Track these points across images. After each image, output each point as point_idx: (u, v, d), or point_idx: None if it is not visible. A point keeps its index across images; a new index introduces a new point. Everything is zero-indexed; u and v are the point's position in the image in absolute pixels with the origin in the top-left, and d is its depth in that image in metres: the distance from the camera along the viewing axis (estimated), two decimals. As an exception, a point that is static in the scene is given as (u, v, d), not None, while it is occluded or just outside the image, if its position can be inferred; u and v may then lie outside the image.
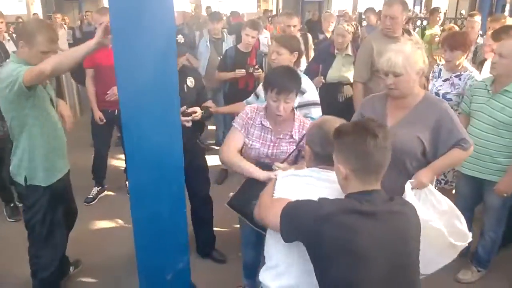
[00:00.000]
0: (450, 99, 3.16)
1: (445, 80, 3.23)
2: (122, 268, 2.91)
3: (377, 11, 6.80)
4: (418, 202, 1.99)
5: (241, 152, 2.26)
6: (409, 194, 1.96)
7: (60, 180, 2.49)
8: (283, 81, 2.12)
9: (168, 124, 1.79)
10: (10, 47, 3.95)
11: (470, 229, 2.93)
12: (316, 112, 2.69)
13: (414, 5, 23.50)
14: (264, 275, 1.66)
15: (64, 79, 6.38)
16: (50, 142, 2.38)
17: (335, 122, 1.65)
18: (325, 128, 1.66)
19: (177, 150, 1.84)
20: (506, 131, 2.57)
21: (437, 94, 3.22)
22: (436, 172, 2.21)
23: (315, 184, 1.64)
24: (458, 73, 3.19)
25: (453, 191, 3.38)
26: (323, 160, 1.66)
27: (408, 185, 2.00)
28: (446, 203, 2.12)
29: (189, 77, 2.81)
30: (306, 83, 2.72)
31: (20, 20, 9.75)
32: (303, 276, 1.55)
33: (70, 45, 5.92)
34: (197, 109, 2.71)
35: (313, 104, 2.70)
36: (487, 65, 3.73)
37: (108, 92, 3.44)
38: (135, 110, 1.73)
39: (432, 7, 9.61)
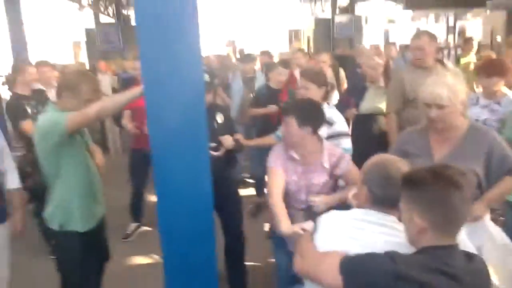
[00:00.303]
0: (492, 125, 3.06)
1: (483, 107, 3.17)
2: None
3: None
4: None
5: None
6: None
7: (96, 225, 2.50)
8: (285, 106, 2.23)
9: (197, 164, 1.82)
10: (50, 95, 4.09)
11: None
12: (346, 142, 2.73)
13: (447, 34, 23.26)
14: None
15: (107, 124, 6.74)
16: (86, 188, 2.39)
17: (399, 163, 1.58)
18: (388, 169, 1.55)
19: (207, 190, 1.86)
20: None
21: (476, 121, 3.15)
22: (489, 204, 2.13)
23: (368, 229, 1.50)
24: (497, 99, 3.14)
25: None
26: (381, 202, 1.54)
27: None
28: (502, 237, 2.03)
29: (218, 113, 2.94)
30: (334, 114, 2.80)
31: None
32: None
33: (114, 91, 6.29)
34: (228, 137, 2.79)
35: (343, 134, 2.74)
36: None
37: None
38: (165, 151, 1.79)
39: (465, 36, 9.52)
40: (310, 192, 2.26)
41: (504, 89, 3.22)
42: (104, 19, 13.38)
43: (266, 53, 6.48)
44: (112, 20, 13.39)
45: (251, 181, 5.17)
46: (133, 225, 4.25)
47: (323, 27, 14.06)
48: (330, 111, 2.84)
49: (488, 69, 3.14)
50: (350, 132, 2.95)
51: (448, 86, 2.02)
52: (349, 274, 1.35)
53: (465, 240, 1.69)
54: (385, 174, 1.54)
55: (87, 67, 10.19)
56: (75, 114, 2.18)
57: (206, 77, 2.76)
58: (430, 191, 1.29)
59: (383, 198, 1.53)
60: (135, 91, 2.10)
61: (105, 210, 2.65)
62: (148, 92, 1.77)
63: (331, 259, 1.42)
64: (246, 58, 5.32)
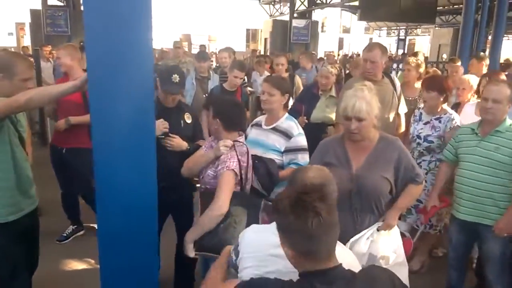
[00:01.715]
0: (432, 141, 3.22)
1: (425, 123, 3.29)
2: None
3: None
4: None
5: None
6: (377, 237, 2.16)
7: (23, 219, 2.35)
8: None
9: (142, 165, 1.74)
10: None
11: (464, 278, 2.93)
12: (303, 157, 2.68)
13: (397, 49, 24.35)
14: None
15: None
16: (11, 179, 2.26)
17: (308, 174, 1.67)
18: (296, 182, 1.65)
19: (151, 193, 1.78)
20: (503, 171, 2.54)
21: (418, 136, 3.27)
22: (401, 211, 2.39)
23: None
24: (438, 116, 3.26)
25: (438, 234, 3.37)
26: None
27: (374, 227, 2.18)
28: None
29: (186, 113, 2.86)
30: (294, 127, 2.75)
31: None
32: None
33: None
34: (178, 138, 2.70)
35: (301, 149, 2.69)
36: (467, 109, 3.81)
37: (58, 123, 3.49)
38: (107, 150, 1.69)
39: (413, 51, 9.96)
40: (202, 182, 2.43)
41: (445, 106, 3.36)
42: (52, 0, 12.62)
43: (228, 50, 6.30)
44: (61, 3, 12.66)
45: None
46: (71, 227, 3.97)
47: (281, 30, 14.19)
48: (290, 123, 2.77)
49: (429, 83, 3.28)
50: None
51: (366, 101, 2.15)
52: None
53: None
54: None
55: (30, 52, 9.56)
56: (4, 99, 2.06)
57: (175, 78, 2.67)
58: (288, 221, 1.25)
59: None
60: (67, 86, 2.01)
61: (40, 207, 2.51)
62: (93, 85, 1.64)
63: (229, 286, 1.44)
64: (201, 55, 5.15)
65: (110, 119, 1.67)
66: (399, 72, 7.69)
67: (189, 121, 2.86)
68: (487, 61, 5.23)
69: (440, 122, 3.23)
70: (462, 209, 2.70)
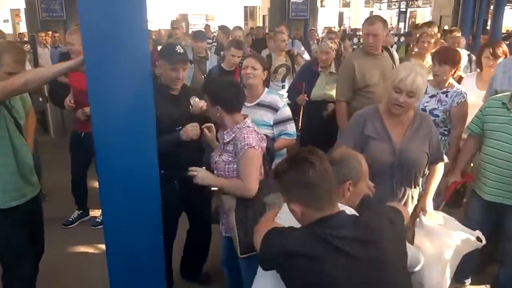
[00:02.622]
0: (437, 115, 3.15)
1: (431, 97, 3.20)
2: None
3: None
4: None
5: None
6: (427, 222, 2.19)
7: (26, 205, 2.36)
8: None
9: (143, 149, 1.72)
10: None
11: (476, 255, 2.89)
12: (291, 127, 2.85)
13: (398, 22, 23.94)
14: None
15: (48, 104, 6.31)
16: (12, 164, 2.27)
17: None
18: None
19: (153, 177, 1.77)
20: None
21: (424, 110, 3.19)
22: (431, 196, 2.37)
23: None
24: (445, 90, 3.17)
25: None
26: None
27: (422, 218, 2.21)
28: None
29: (192, 97, 2.64)
30: (278, 99, 2.87)
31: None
32: None
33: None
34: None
35: (288, 120, 2.84)
36: (467, 80, 3.76)
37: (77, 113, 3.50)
38: (108, 135, 1.67)
39: (414, 23, 9.79)
40: (214, 169, 2.28)
41: (452, 80, 3.27)
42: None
43: (223, 28, 6.24)
44: (55, -13, 12.42)
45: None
46: (77, 212, 4.01)
47: (279, 6, 13.92)
48: (273, 96, 2.88)
49: (442, 56, 3.15)
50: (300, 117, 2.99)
51: (423, 79, 2.14)
52: (262, 247, 1.49)
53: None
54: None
55: (26, 38, 9.45)
56: None
57: (179, 48, 2.54)
58: (288, 178, 1.44)
59: None
60: (60, 66, 1.99)
61: (43, 194, 2.50)
62: (90, 69, 1.62)
63: (264, 230, 1.55)
64: (198, 34, 5.07)
65: (108, 102, 1.65)
66: (401, 46, 7.58)
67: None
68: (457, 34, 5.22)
69: (447, 96, 3.15)
70: (487, 189, 2.59)
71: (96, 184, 4.24)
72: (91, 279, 3.06)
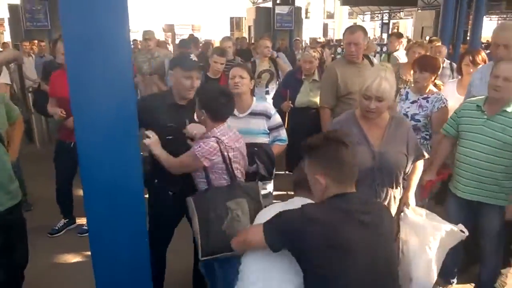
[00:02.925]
0: (419, 120, 3.24)
1: (413, 102, 3.30)
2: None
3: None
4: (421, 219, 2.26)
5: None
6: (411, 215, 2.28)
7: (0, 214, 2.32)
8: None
9: (126, 154, 1.74)
10: None
11: (460, 256, 3.00)
12: (284, 133, 2.92)
13: (381, 33, 24.41)
14: None
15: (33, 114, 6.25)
16: None
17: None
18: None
19: (136, 182, 1.79)
20: (508, 152, 2.52)
21: (405, 115, 3.28)
22: (414, 189, 2.49)
23: None
24: (426, 96, 3.27)
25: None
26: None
27: (406, 212, 2.31)
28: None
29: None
30: (270, 106, 2.93)
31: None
32: (283, 277, 1.61)
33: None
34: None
35: (280, 126, 2.90)
36: (448, 87, 3.88)
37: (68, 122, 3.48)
38: (91, 141, 1.69)
39: (396, 32, 10.01)
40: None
41: (432, 87, 3.39)
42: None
43: (230, 39, 6.26)
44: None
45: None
46: (63, 221, 3.97)
47: (264, 17, 14.11)
48: (264, 104, 2.93)
49: (422, 64, 3.27)
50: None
51: (390, 82, 2.20)
52: (268, 228, 1.59)
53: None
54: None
55: (11, 47, 9.36)
56: None
57: (193, 56, 2.53)
58: (325, 152, 1.59)
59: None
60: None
61: (28, 204, 2.46)
62: (72, 79, 1.64)
63: (256, 225, 1.71)
64: (184, 43, 5.13)
65: (91, 110, 1.66)
66: (383, 55, 7.74)
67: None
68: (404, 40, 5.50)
69: (427, 102, 3.25)
70: (463, 187, 2.69)
71: (81, 192, 4.23)
72: (78, 286, 3.04)
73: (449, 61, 5.27)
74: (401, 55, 5.55)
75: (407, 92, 3.42)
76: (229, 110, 2.30)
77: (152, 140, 2.31)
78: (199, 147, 2.17)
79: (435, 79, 3.38)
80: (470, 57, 3.70)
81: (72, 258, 3.49)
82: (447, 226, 2.19)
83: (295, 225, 1.51)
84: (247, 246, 1.74)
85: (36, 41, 8.42)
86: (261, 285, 1.63)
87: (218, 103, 2.22)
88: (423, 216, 2.30)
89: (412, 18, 24.17)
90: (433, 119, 3.18)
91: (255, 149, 2.56)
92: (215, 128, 2.24)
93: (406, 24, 28.80)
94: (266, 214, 1.78)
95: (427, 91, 3.30)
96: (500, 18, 23.01)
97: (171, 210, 2.56)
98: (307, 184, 1.73)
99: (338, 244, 1.47)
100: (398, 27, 29.95)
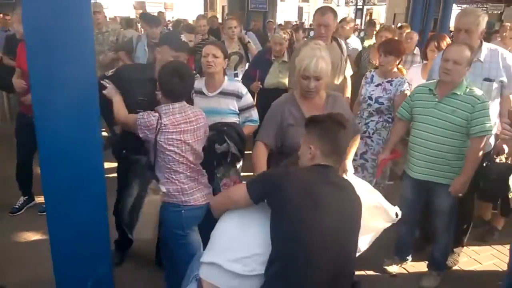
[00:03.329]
0: (382, 103, 3.32)
1: (377, 85, 3.38)
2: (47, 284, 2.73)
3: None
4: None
5: None
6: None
7: None
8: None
9: (85, 127, 1.73)
10: None
11: (415, 233, 3.14)
12: (255, 113, 2.88)
13: (355, 18, 24.53)
14: (211, 254, 1.73)
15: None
16: None
17: None
18: None
19: (96, 150, 1.78)
20: (457, 133, 2.63)
21: (370, 98, 3.36)
22: (351, 159, 2.60)
23: None
24: (390, 79, 3.35)
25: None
26: None
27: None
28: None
29: None
30: (241, 86, 2.87)
31: None
32: (253, 249, 1.68)
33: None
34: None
35: (252, 106, 2.87)
36: (412, 71, 3.97)
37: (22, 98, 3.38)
38: (48, 108, 1.66)
39: (368, 19, 10.08)
40: None
41: (397, 70, 3.46)
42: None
43: (205, 17, 6.11)
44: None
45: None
46: (22, 199, 3.88)
47: (238, -2, 13.89)
48: (235, 84, 2.89)
49: (387, 48, 3.34)
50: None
51: (325, 61, 2.24)
52: (252, 182, 1.75)
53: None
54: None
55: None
56: None
57: (183, 37, 2.55)
58: (324, 126, 1.77)
59: None
60: None
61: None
62: (32, 53, 1.59)
63: (238, 185, 1.90)
64: (152, 20, 4.98)
65: (50, 85, 1.64)
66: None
67: None
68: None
69: (391, 85, 3.32)
70: (415, 168, 2.80)
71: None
72: (41, 264, 2.97)
73: (419, 48, 5.36)
74: (352, 42, 5.74)
75: (373, 75, 3.48)
76: (183, 90, 2.26)
77: (109, 88, 2.35)
78: (142, 115, 2.18)
79: (399, 63, 3.45)
80: (435, 43, 3.78)
81: (33, 236, 3.43)
82: (382, 202, 2.21)
83: (277, 177, 1.71)
84: (227, 202, 1.84)
85: (1, 15, 8.02)
86: (231, 252, 1.67)
87: (172, 83, 2.19)
88: (365, 188, 2.32)
89: (385, 4, 24.38)
90: (395, 102, 3.26)
91: (225, 128, 2.55)
92: (163, 105, 2.22)
93: (380, 11, 29.04)
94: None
95: (391, 74, 3.38)
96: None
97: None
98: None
99: (311, 198, 1.63)
100: (371, 13, 30.18)
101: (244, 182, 1.80)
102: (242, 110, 2.82)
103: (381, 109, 3.35)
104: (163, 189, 2.18)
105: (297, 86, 2.37)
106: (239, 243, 1.70)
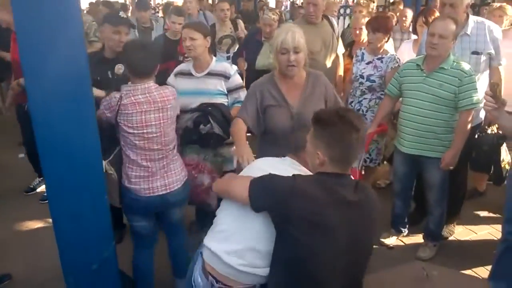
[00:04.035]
0: (374, 81, 3.34)
1: (368, 63, 3.39)
2: (50, 271, 2.77)
3: None
4: None
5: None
6: None
7: None
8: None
9: (81, 113, 1.75)
10: None
11: (409, 207, 3.18)
12: (243, 95, 2.75)
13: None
14: (209, 238, 1.71)
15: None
16: None
17: None
18: None
19: (93, 140, 1.80)
20: (445, 107, 2.66)
21: (361, 76, 3.38)
22: None
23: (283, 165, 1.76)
24: (380, 56, 3.36)
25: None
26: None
27: None
28: None
29: (118, 64, 2.66)
30: (229, 67, 2.83)
31: None
32: (250, 242, 1.61)
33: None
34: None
35: (240, 87, 2.80)
36: (404, 46, 3.97)
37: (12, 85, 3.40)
38: (44, 103, 1.67)
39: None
40: None
41: (387, 46, 3.47)
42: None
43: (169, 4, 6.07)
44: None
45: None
46: (38, 180, 4.04)
47: (229, -23, 13.64)
48: (223, 64, 2.85)
49: (374, 25, 3.33)
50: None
51: (300, 34, 2.22)
52: (256, 186, 1.56)
53: None
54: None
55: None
56: None
57: (123, 14, 2.81)
58: (334, 132, 1.52)
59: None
60: None
61: None
62: (22, 41, 1.59)
63: (244, 178, 1.66)
64: (141, 4, 4.90)
65: (43, 73, 1.64)
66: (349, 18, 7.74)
67: (119, 72, 2.70)
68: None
69: (382, 62, 3.33)
70: (406, 143, 2.85)
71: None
72: (43, 252, 3.04)
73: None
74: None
75: (363, 53, 3.48)
76: (146, 65, 2.18)
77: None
78: (105, 99, 2.18)
79: (388, 39, 3.45)
80: (423, 18, 3.77)
81: (35, 225, 3.48)
82: None
83: (285, 193, 1.49)
84: (227, 196, 1.73)
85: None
86: (229, 234, 1.65)
87: (136, 58, 2.14)
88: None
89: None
90: (387, 79, 3.28)
91: (209, 108, 2.52)
92: (127, 85, 2.19)
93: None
94: (255, 167, 1.80)
95: (381, 51, 3.38)
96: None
97: None
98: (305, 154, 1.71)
99: (319, 223, 1.46)
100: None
101: (249, 178, 1.61)
102: (230, 91, 2.75)
103: (373, 87, 3.37)
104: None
105: (276, 65, 2.31)
106: (236, 235, 1.64)
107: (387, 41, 3.45)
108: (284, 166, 1.74)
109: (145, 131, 2.15)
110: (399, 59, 3.37)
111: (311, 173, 1.68)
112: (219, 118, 2.51)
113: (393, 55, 3.38)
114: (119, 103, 2.09)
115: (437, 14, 3.88)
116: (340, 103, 2.47)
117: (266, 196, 1.54)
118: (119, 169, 2.24)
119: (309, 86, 2.35)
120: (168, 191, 2.27)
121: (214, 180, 2.42)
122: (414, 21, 4.10)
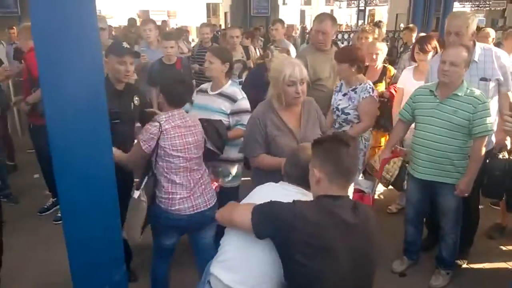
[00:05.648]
0: (348, 113, 3.25)
1: (344, 95, 3.31)
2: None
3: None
4: None
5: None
6: None
7: None
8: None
9: (97, 137, 1.79)
10: None
11: (421, 231, 3.17)
12: (246, 119, 2.84)
13: (358, 19, 24.58)
14: (217, 268, 1.74)
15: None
16: None
17: (308, 150, 1.85)
18: (299, 154, 1.93)
19: (108, 163, 1.84)
20: (460, 133, 2.68)
21: (337, 108, 3.31)
22: None
23: (285, 192, 1.81)
24: (354, 87, 3.26)
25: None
26: (294, 180, 1.90)
27: None
28: None
29: (135, 96, 2.84)
30: (238, 92, 2.98)
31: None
32: (255, 273, 1.64)
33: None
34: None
35: (245, 111, 2.93)
36: (405, 73, 3.95)
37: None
38: (61, 126, 1.72)
39: (375, 21, 10.09)
40: None
41: (360, 76, 3.32)
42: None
43: (209, 25, 6.22)
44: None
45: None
46: (51, 200, 4.11)
47: (241, 3, 13.98)
48: (233, 89, 3.00)
49: (339, 56, 3.28)
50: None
51: (303, 66, 2.37)
52: (258, 213, 1.61)
53: None
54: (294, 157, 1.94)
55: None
56: None
57: (126, 44, 2.77)
58: (325, 147, 1.64)
59: (295, 177, 1.89)
60: None
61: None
62: (42, 65, 1.65)
63: (246, 206, 1.71)
64: (168, 36, 5.03)
65: (61, 95, 1.68)
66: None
67: (137, 103, 2.85)
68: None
69: (355, 93, 3.24)
70: (420, 169, 2.84)
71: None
72: (56, 270, 3.04)
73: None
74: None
75: (342, 84, 3.39)
76: (184, 97, 2.43)
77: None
78: (142, 132, 2.30)
79: (358, 69, 3.26)
80: (418, 46, 3.79)
81: (48, 243, 3.48)
82: None
83: (285, 218, 1.53)
84: (231, 224, 1.76)
85: (6, 29, 8.19)
86: (236, 264, 1.68)
87: (175, 90, 2.36)
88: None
89: (387, 5, 24.40)
90: (358, 108, 3.22)
91: (205, 124, 2.61)
92: (162, 114, 2.37)
93: (382, 11, 29.04)
94: (259, 195, 1.86)
95: (353, 81, 3.26)
96: (473, 6, 23.44)
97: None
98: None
99: (322, 246, 1.51)
100: (374, 14, 30.20)
101: (251, 206, 1.66)
102: (234, 113, 2.92)
103: (350, 119, 3.27)
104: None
105: (279, 96, 2.39)
106: (243, 263, 1.67)
107: (357, 72, 3.27)
108: (285, 191, 1.81)
109: (188, 152, 2.32)
110: (372, 89, 3.24)
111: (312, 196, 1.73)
112: (211, 133, 2.61)
113: (366, 84, 3.24)
114: (160, 129, 2.24)
115: (434, 42, 3.85)
116: (325, 128, 2.63)
117: (268, 222, 1.58)
118: (150, 197, 2.35)
119: (306, 113, 2.49)
120: (209, 206, 2.43)
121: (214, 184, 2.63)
122: (412, 49, 4.10)
